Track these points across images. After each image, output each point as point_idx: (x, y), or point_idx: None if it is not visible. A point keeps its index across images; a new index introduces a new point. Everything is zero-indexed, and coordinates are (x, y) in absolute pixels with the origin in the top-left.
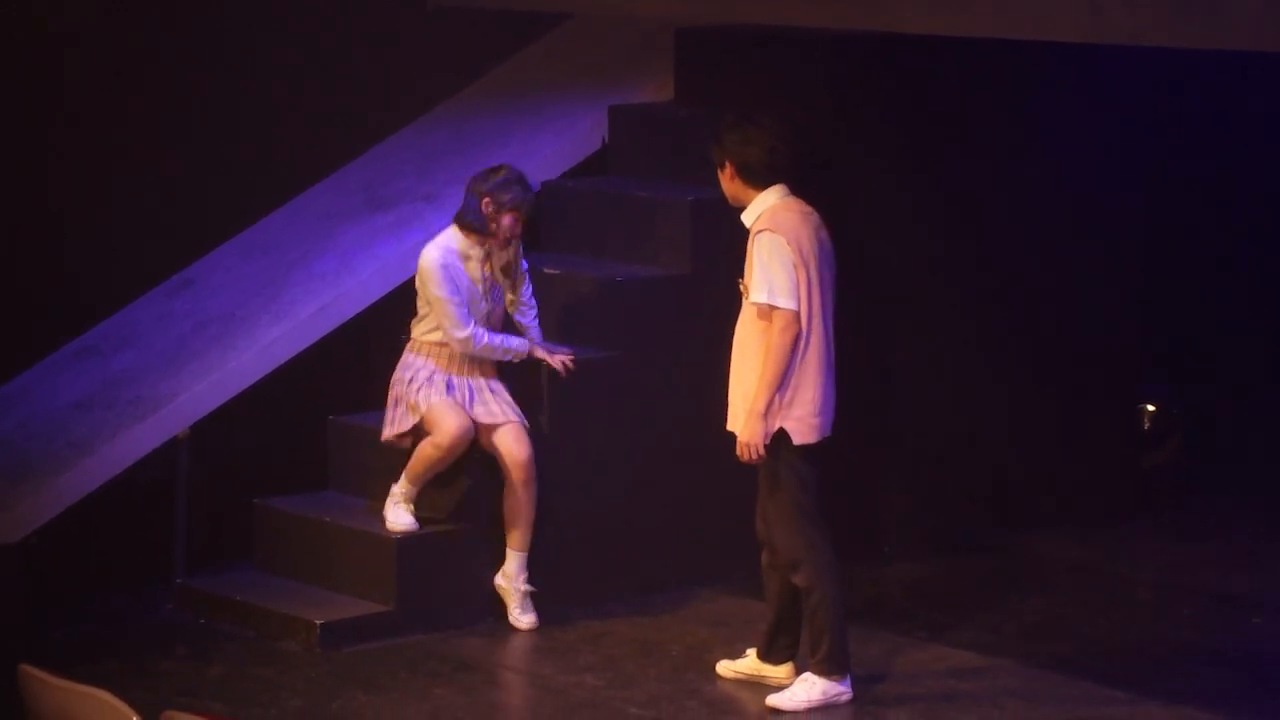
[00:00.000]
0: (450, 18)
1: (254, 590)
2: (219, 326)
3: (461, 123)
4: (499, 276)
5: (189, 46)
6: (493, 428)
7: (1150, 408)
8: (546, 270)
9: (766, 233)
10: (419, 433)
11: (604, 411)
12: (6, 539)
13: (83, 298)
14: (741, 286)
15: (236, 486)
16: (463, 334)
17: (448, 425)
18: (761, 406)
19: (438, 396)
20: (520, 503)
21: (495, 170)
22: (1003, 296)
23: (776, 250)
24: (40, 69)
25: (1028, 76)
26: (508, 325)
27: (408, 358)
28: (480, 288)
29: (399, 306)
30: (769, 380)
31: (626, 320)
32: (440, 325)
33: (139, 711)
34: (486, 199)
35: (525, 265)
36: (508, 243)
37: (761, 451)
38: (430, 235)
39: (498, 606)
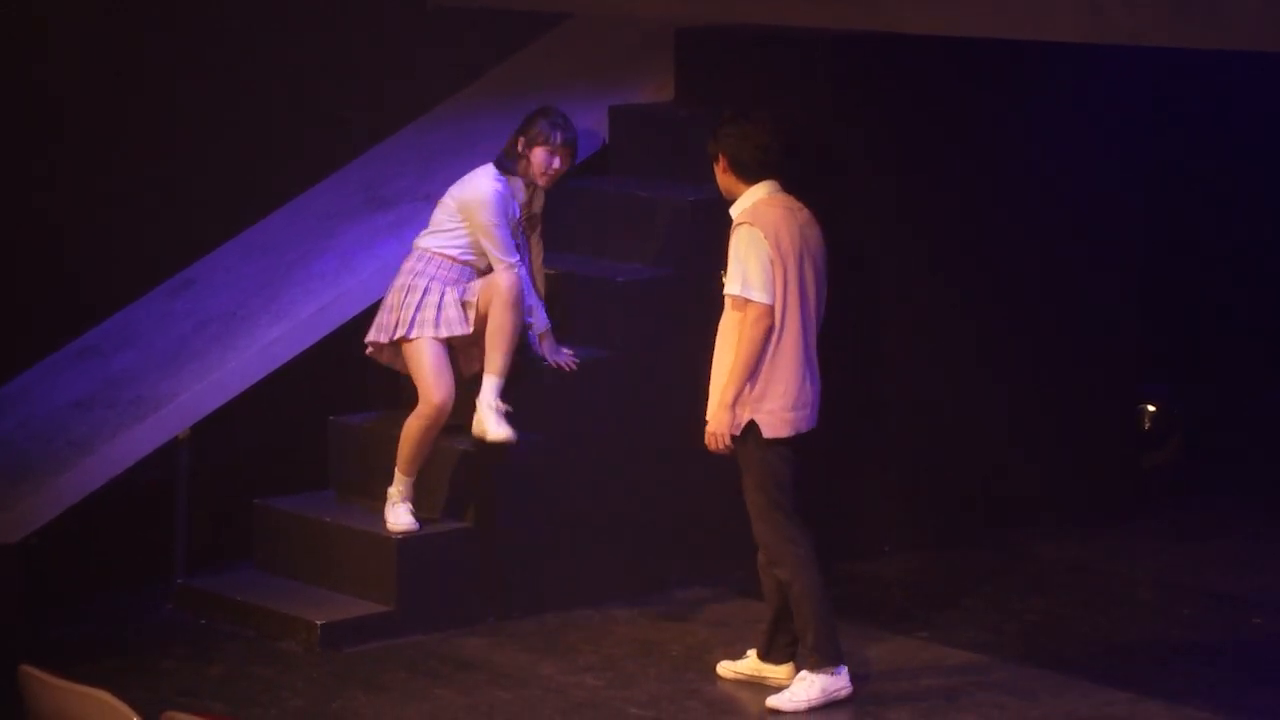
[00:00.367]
0: (450, 18)
1: (254, 590)
2: (219, 326)
3: (461, 123)
4: (526, 227)
5: (189, 46)
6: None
7: (1150, 408)
8: (546, 270)
9: (745, 226)
10: (396, 350)
11: (604, 411)
12: (6, 539)
13: (83, 298)
14: (723, 278)
15: (237, 486)
16: (512, 259)
17: (434, 393)
18: (729, 397)
19: (432, 352)
20: (503, 325)
21: (534, 112)
22: (1002, 296)
23: (753, 243)
24: (40, 69)
25: (1028, 76)
26: None
27: (417, 264)
28: (515, 234)
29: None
30: (738, 372)
31: (626, 320)
32: (487, 252)
33: (139, 711)
34: (520, 137)
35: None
36: (542, 178)
37: (728, 442)
38: None
39: (498, 606)
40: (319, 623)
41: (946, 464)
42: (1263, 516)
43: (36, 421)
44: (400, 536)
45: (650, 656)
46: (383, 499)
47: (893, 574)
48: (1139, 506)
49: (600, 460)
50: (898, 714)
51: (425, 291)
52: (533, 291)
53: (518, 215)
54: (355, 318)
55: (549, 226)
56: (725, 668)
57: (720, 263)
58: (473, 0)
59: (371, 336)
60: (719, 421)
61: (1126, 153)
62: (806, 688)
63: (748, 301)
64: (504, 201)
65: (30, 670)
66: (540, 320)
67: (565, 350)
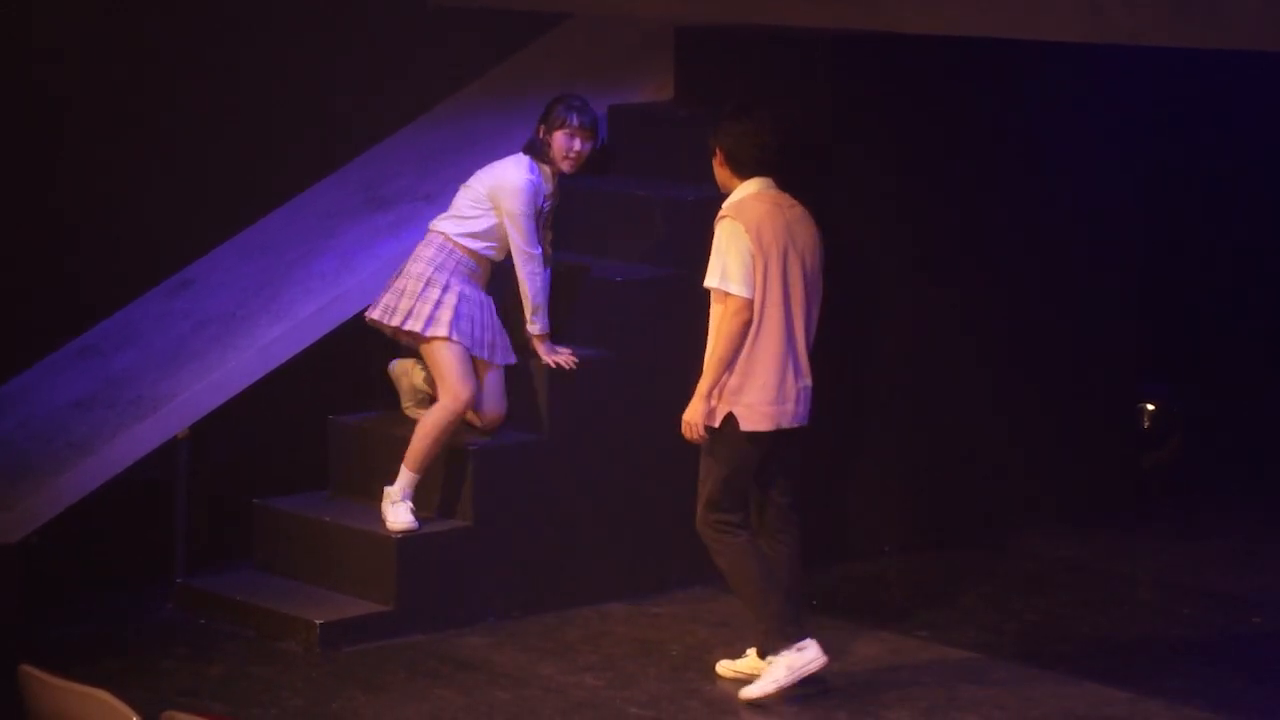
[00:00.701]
0: (450, 17)
1: (254, 590)
2: (219, 326)
3: (461, 122)
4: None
5: (189, 46)
6: (486, 365)
7: (1150, 407)
8: (547, 269)
9: (727, 219)
10: (413, 339)
11: (604, 411)
12: (6, 538)
13: (83, 297)
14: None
15: (237, 486)
16: (534, 250)
17: (463, 390)
18: (705, 388)
19: (455, 352)
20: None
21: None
22: (1002, 295)
23: (733, 237)
24: (40, 68)
25: (1028, 77)
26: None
27: (438, 255)
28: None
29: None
30: (714, 363)
31: (626, 320)
32: (510, 240)
33: (139, 711)
34: (540, 125)
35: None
36: (565, 162)
37: (702, 431)
38: None
39: (497, 606)
40: (318, 622)
41: (946, 464)
42: (1263, 516)
43: (36, 421)
44: (399, 535)
45: (650, 656)
46: (382, 497)
47: (893, 574)
48: (1139, 506)
49: (600, 460)
50: (897, 713)
51: (445, 288)
52: (544, 291)
53: (545, 207)
54: (355, 317)
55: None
56: (725, 667)
57: None
58: (473, 0)
59: (378, 316)
60: (693, 411)
61: (1126, 152)
62: (773, 671)
63: (727, 295)
64: (535, 191)
65: (30, 670)
66: (541, 323)
67: (562, 349)
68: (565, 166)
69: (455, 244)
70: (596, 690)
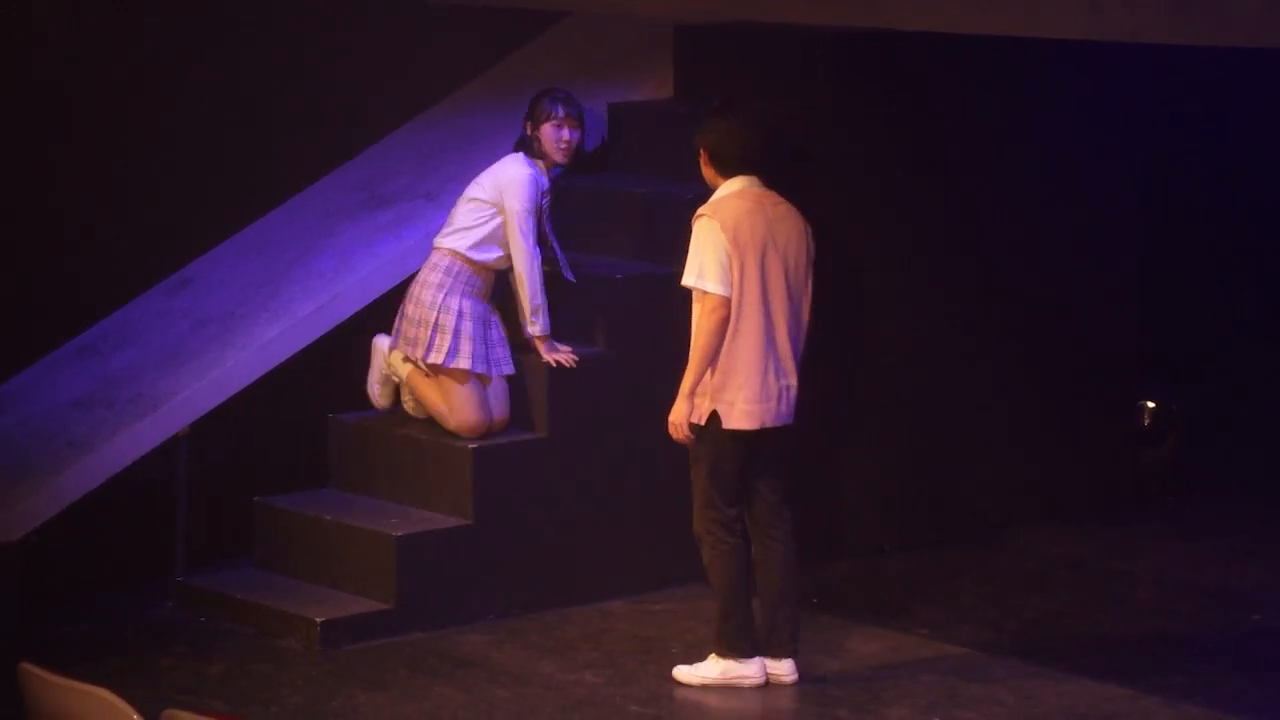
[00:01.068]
0: (450, 16)
1: (254, 588)
2: (218, 325)
3: (461, 120)
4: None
5: (188, 45)
6: (495, 380)
7: (1150, 404)
8: (546, 269)
9: (704, 218)
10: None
11: (604, 410)
12: (6, 537)
13: (83, 297)
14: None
15: (236, 484)
16: (535, 250)
17: (469, 418)
18: (687, 387)
19: (467, 362)
20: None
21: None
22: (1002, 294)
23: (710, 235)
24: (40, 68)
25: (1028, 75)
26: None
27: (445, 278)
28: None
29: (399, 304)
30: (694, 362)
31: (626, 318)
32: (509, 237)
33: (139, 709)
34: (527, 122)
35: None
36: (559, 153)
37: (687, 431)
38: (430, 233)
39: (497, 604)
40: (319, 620)
41: (946, 462)
42: (1262, 514)
43: (36, 420)
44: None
45: (650, 654)
46: (382, 497)
47: (892, 572)
48: (1139, 504)
49: (600, 458)
50: (898, 712)
51: (459, 314)
52: (543, 290)
53: (543, 203)
54: (354, 316)
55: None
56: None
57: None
58: None
59: (404, 350)
60: (678, 411)
61: (1126, 151)
62: (710, 667)
63: (704, 293)
64: (536, 185)
65: (30, 668)
66: (542, 324)
67: (563, 346)
68: (559, 157)
69: (464, 260)
70: (596, 688)
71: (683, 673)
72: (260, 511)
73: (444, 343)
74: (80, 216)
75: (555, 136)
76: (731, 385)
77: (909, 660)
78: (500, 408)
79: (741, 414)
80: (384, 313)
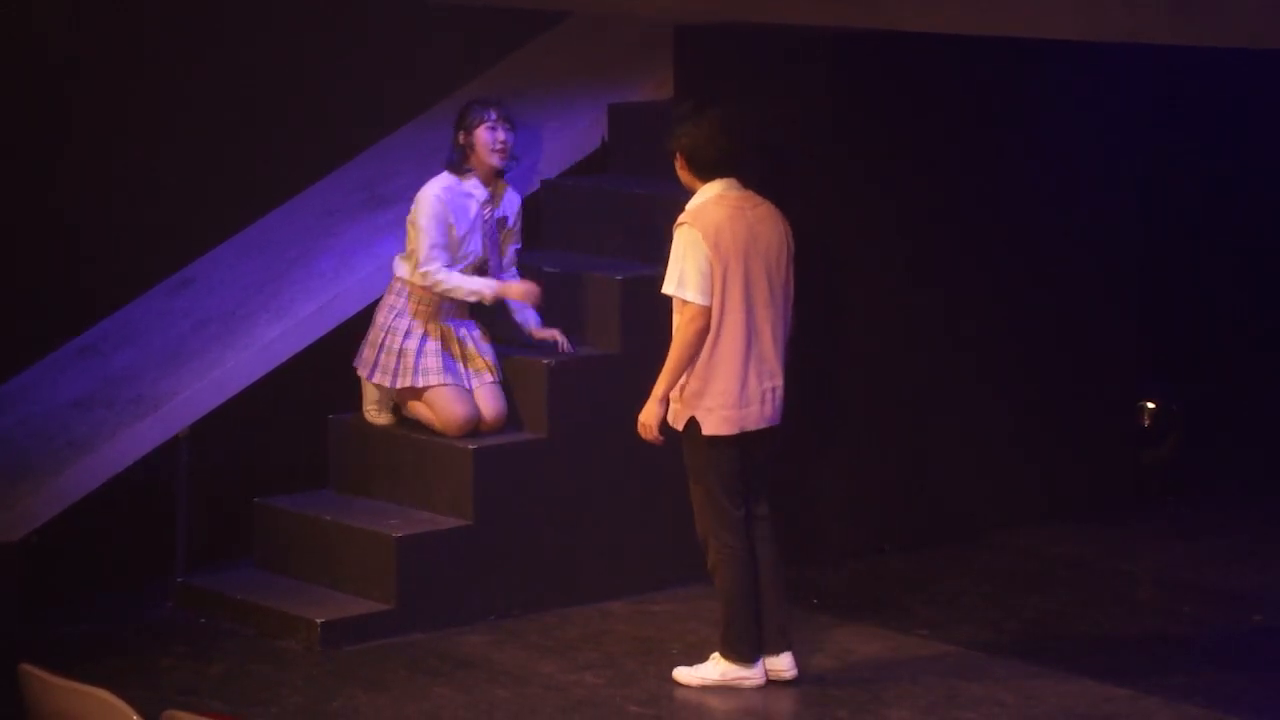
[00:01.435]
0: (450, 16)
1: (254, 589)
2: (219, 325)
3: None
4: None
5: (188, 45)
6: (478, 387)
7: (1150, 404)
8: (546, 269)
9: (685, 226)
10: (407, 395)
11: (604, 410)
12: (7, 537)
13: (83, 297)
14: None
15: (237, 485)
16: (427, 268)
17: (454, 415)
18: (659, 391)
19: (438, 377)
20: None
21: None
22: (1003, 295)
23: (691, 244)
24: (41, 67)
25: (1028, 76)
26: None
27: (397, 300)
28: (479, 233)
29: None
30: (668, 369)
31: (626, 319)
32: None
33: (139, 710)
34: (458, 133)
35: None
36: (495, 155)
37: (656, 433)
38: None
39: (498, 604)
40: (319, 621)
41: (947, 462)
42: (1262, 514)
43: (36, 420)
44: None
45: (650, 655)
46: (382, 498)
47: (892, 572)
48: (1139, 504)
49: (600, 458)
50: (898, 712)
51: (406, 335)
52: (468, 277)
53: (480, 217)
54: (355, 316)
55: (548, 225)
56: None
57: None
58: None
59: (365, 374)
60: (647, 413)
61: (1126, 151)
62: (710, 668)
63: (684, 302)
64: (443, 205)
65: (30, 669)
66: (490, 288)
67: (552, 330)
68: (496, 160)
69: (409, 285)
70: (597, 688)
71: (683, 674)
72: (260, 512)
73: (407, 363)
74: (80, 216)
75: (490, 139)
76: (710, 392)
77: (909, 660)
78: (491, 406)
79: (719, 420)
80: None
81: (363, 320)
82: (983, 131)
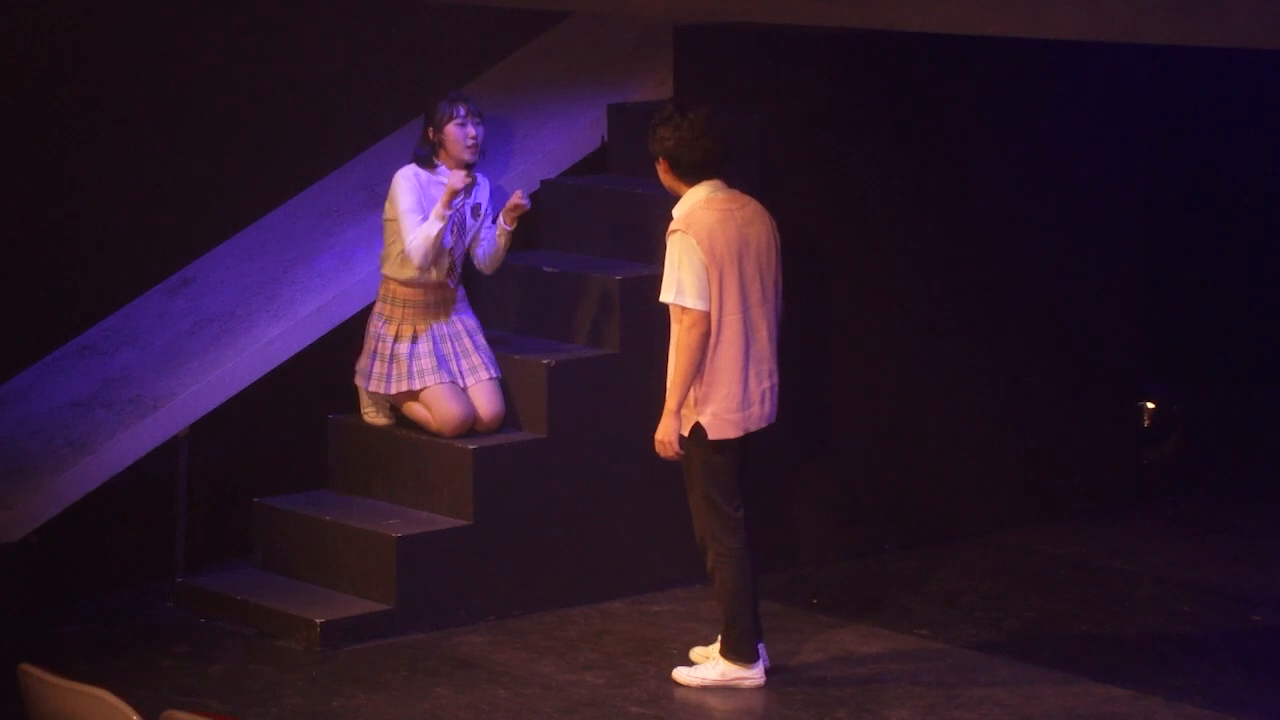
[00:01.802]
0: (450, 16)
1: (254, 589)
2: (219, 325)
3: None
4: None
5: (188, 45)
6: (474, 385)
7: (1150, 405)
8: (546, 269)
9: (678, 233)
10: (403, 397)
11: (603, 410)
12: (6, 537)
13: (83, 296)
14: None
15: (236, 484)
16: (410, 249)
17: (449, 414)
18: (673, 404)
19: (433, 377)
20: None
21: None
22: (1003, 294)
23: (686, 251)
24: (40, 69)
25: (1027, 75)
26: (468, 270)
27: (382, 306)
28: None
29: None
30: (678, 379)
31: (626, 319)
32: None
33: (139, 710)
34: (428, 129)
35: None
36: (467, 151)
37: (677, 448)
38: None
39: (497, 605)
40: (319, 621)
41: (947, 461)
42: (1262, 514)
43: (36, 420)
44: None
45: (650, 655)
46: (382, 498)
47: (892, 571)
48: (1139, 503)
49: (599, 459)
50: (898, 713)
51: (396, 339)
52: (424, 244)
53: (463, 205)
54: (355, 316)
55: (548, 225)
56: (698, 653)
57: None
58: None
59: (366, 385)
60: (665, 429)
61: (1126, 150)
62: (711, 668)
63: (684, 309)
64: (417, 181)
65: (30, 669)
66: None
67: (511, 203)
68: (468, 155)
69: (391, 283)
70: (597, 689)
71: (682, 674)
72: (260, 512)
73: (400, 369)
74: (80, 216)
75: (461, 135)
76: (715, 396)
77: (909, 660)
78: (488, 405)
79: (726, 424)
80: None
81: (363, 320)
82: (982, 131)
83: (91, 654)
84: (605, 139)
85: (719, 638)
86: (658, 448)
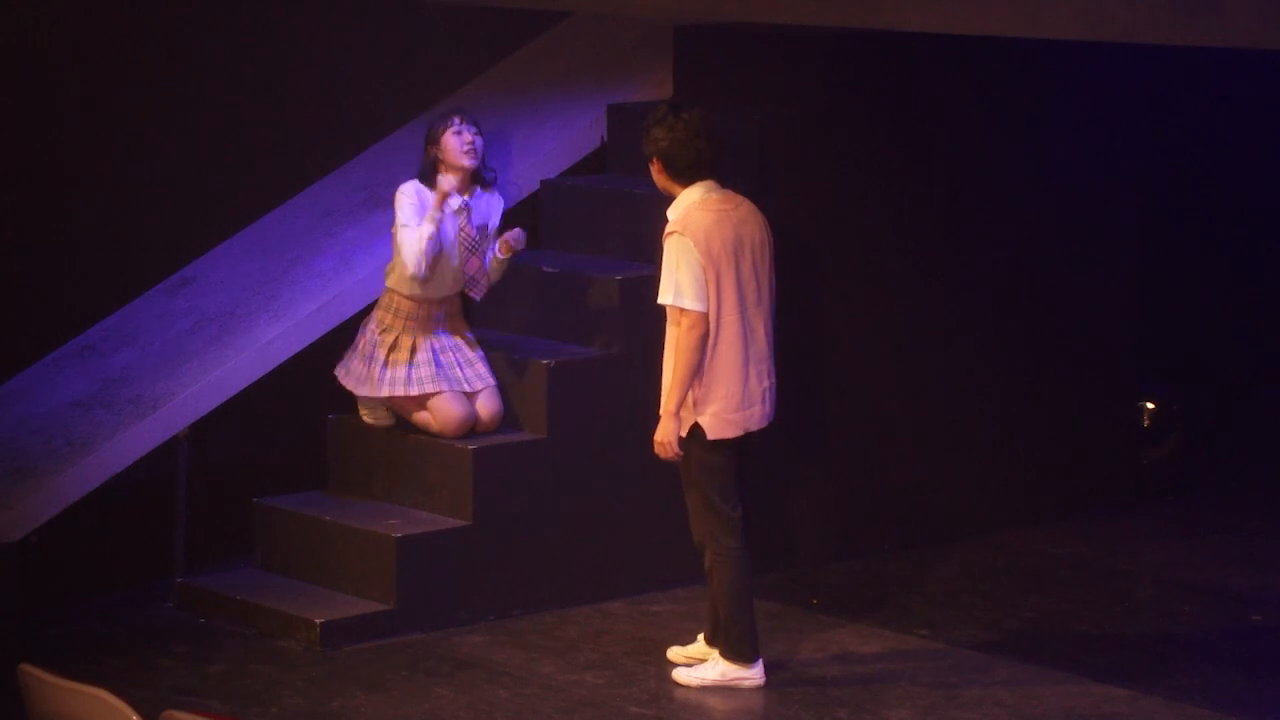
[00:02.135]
0: (450, 16)
1: (254, 589)
2: (219, 325)
3: None
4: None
5: (188, 44)
6: (475, 393)
7: (1150, 405)
8: (546, 269)
9: (675, 235)
10: (401, 402)
11: (603, 410)
12: (6, 538)
13: (83, 296)
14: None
15: (237, 485)
16: (405, 253)
17: (451, 415)
18: (672, 406)
19: (433, 385)
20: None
21: None
22: (1002, 295)
23: (683, 252)
24: (40, 68)
25: (1026, 75)
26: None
27: (384, 315)
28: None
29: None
30: (678, 380)
31: (626, 319)
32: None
33: (139, 710)
34: (427, 147)
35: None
36: (466, 157)
37: (677, 449)
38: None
39: (497, 605)
40: (319, 621)
41: (947, 461)
42: (1262, 514)
43: (36, 420)
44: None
45: (650, 655)
46: (382, 498)
47: (892, 571)
48: (1139, 504)
49: (599, 459)
50: (898, 712)
51: (393, 348)
52: (420, 253)
53: (455, 224)
54: (354, 317)
55: (548, 225)
56: (675, 653)
57: None
58: None
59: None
60: (664, 431)
61: (1125, 151)
62: (711, 669)
63: (682, 311)
64: (417, 201)
65: (29, 669)
66: (427, 226)
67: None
68: (467, 161)
69: (395, 295)
70: (596, 688)
71: (682, 674)
72: (260, 512)
73: (397, 375)
74: (80, 216)
75: (458, 142)
76: (714, 397)
77: (909, 660)
78: (488, 406)
79: (724, 423)
80: None
81: (363, 320)
82: (982, 131)
83: (91, 654)
84: (605, 139)
85: (699, 637)
86: (657, 449)
